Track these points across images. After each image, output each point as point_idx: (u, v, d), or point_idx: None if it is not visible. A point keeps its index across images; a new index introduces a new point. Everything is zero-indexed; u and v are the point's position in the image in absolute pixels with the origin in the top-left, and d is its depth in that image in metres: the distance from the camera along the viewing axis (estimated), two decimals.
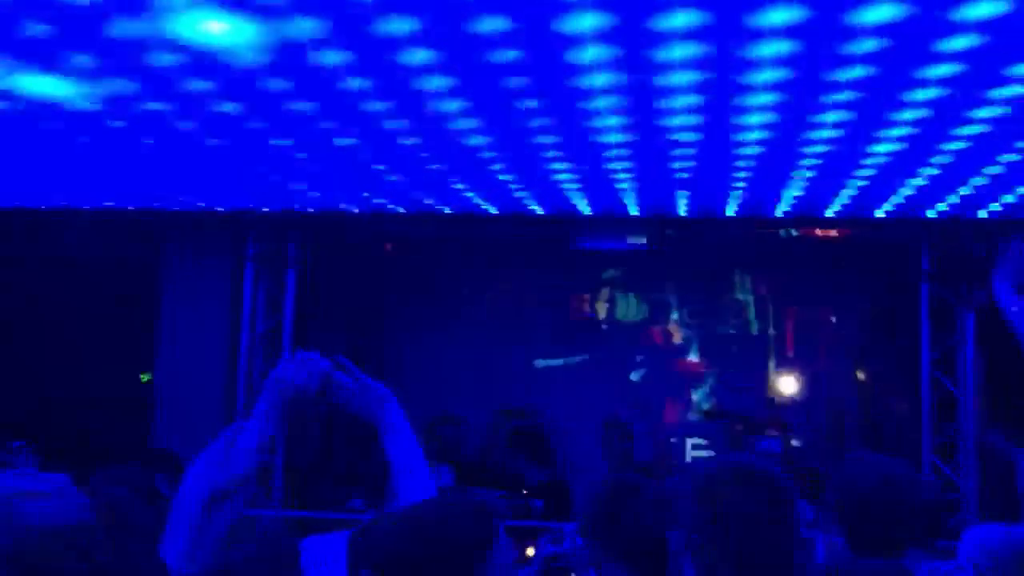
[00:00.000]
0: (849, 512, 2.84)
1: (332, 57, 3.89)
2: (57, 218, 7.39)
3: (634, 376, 9.08)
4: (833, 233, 7.32)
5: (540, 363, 9.11)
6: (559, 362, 9.15)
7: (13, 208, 7.27)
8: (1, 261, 7.63)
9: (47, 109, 4.69)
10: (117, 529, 1.78)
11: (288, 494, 7.46)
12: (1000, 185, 5.72)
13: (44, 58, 3.95)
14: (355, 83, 4.19)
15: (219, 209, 7.12)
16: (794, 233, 7.35)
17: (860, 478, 2.85)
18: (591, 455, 7.07)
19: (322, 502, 7.46)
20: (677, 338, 9.12)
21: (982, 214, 6.52)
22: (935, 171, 5.44)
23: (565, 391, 8.90)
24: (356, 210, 7.10)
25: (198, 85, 4.27)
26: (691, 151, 5.17)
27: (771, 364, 8.76)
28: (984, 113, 4.42)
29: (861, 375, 8.76)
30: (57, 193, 6.91)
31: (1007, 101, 4.22)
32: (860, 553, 2.79)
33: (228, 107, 4.60)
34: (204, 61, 3.96)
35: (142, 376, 8.08)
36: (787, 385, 8.74)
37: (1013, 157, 5.11)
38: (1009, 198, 6.01)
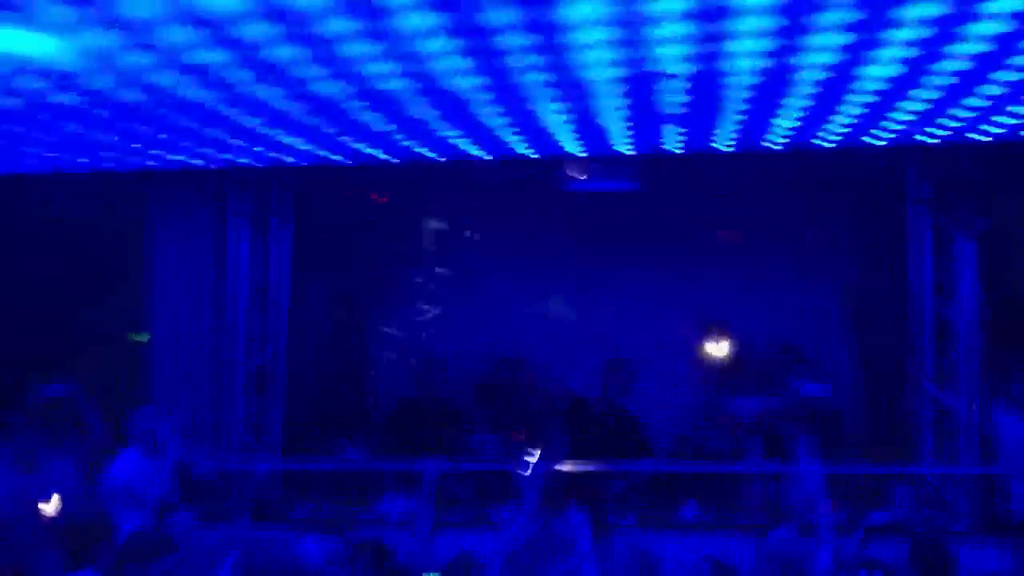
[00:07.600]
0: None
1: None
2: (46, 183, 7.31)
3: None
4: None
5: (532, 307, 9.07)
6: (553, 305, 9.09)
7: (3, 175, 7.18)
8: None
9: (24, 66, 4.59)
10: None
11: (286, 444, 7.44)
12: (996, 107, 5.63)
13: (19, 10, 3.85)
14: (337, 26, 4.10)
15: (200, 163, 7.01)
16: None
17: None
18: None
19: (318, 451, 7.40)
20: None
21: (979, 138, 6.41)
22: (931, 94, 5.34)
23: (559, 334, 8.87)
24: (345, 161, 7.00)
25: (178, 34, 4.17)
26: (682, 84, 5.07)
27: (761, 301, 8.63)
28: (979, 30, 4.32)
29: (851, 307, 8.67)
30: (43, 158, 6.80)
31: (1001, 16, 4.13)
32: None
33: (209, 56, 4.50)
34: (182, 7, 3.86)
35: (137, 336, 8.01)
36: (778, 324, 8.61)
37: (1010, 76, 5.02)
38: (1006, 120, 5.90)
